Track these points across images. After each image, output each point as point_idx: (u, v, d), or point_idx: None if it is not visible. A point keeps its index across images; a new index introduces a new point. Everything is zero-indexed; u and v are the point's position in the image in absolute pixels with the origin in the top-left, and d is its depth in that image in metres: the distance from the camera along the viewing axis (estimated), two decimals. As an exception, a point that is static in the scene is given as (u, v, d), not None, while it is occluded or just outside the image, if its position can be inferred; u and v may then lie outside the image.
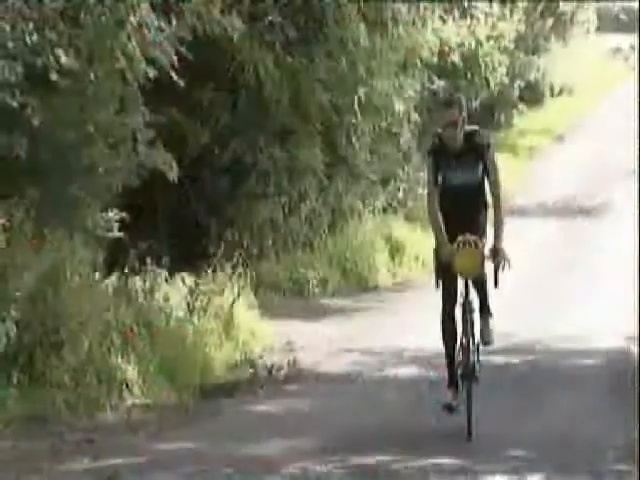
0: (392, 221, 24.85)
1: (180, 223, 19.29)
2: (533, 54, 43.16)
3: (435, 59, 28.44)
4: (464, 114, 10.77)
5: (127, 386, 12.80)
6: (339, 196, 22.51)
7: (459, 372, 10.67)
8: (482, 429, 10.26)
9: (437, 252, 10.74)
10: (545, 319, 17.18)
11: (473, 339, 10.74)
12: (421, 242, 26.69)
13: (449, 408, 10.56)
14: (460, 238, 10.52)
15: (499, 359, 14.43)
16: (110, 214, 15.09)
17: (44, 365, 11.88)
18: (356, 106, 22.23)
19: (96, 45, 14.19)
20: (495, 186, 10.84)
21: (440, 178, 10.79)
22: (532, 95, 44.36)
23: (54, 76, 13.79)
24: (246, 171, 20.29)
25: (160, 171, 15.83)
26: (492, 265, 10.59)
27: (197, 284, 16.13)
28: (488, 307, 11.13)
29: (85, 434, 11.03)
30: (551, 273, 21.69)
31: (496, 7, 34.54)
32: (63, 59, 13.81)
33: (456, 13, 29.30)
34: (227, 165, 20.07)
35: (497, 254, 10.56)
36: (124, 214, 15.21)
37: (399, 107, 23.82)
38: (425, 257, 26.21)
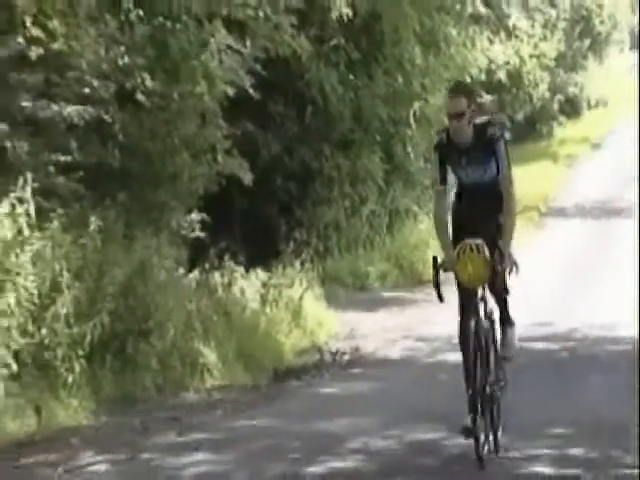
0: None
1: (254, 224, 19.37)
2: (572, 71, 43.00)
3: (483, 76, 28.40)
4: (474, 105, 8.41)
5: (208, 369, 12.88)
6: (396, 199, 22.54)
7: (477, 393, 8.34)
8: (525, 409, 10.19)
9: (435, 260, 8.37)
10: (582, 309, 17.10)
11: (487, 356, 8.51)
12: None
13: (467, 431, 8.23)
14: (461, 244, 8.31)
15: (540, 345, 14.41)
16: (192, 216, 15.20)
17: (134, 351, 11.96)
18: (411, 119, 22.26)
19: (180, 66, 14.31)
20: (505, 184, 8.50)
21: (448, 177, 8.61)
22: (571, 108, 44.26)
23: (140, 96, 13.94)
24: (312, 177, 20.37)
25: (236, 177, 15.94)
26: (500, 271, 8.34)
27: (269, 278, 16.21)
28: (508, 317, 8.94)
29: (170, 412, 11.08)
30: (586, 267, 21.60)
31: (538, 29, 34.47)
32: (148, 82, 13.96)
33: (502, 35, 29.23)
34: (296, 172, 20.14)
35: (503, 259, 8.28)
36: (205, 216, 15.32)
37: (450, 119, 23.81)
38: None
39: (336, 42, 20.13)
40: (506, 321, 8.91)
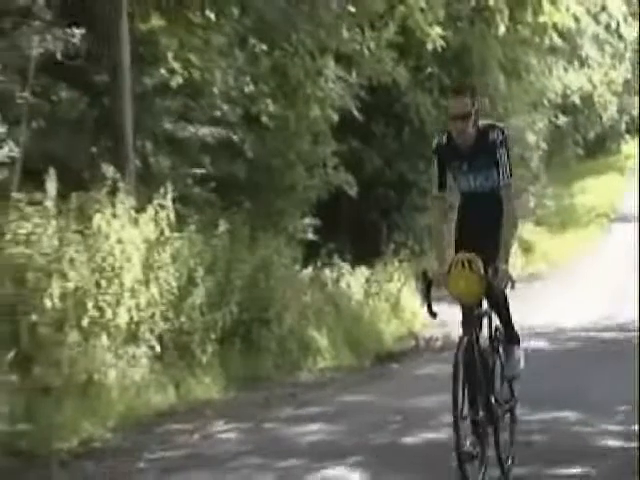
0: (524, 226, 24.65)
1: (359, 227, 19.42)
2: (636, 95, 42.46)
3: (559, 99, 28.16)
4: (477, 106, 6.77)
5: (320, 352, 12.95)
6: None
7: (479, 417, 6.69)
8: (597, 391, 10.09)
9: (425, 273, 6.80)
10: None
11: (487, 375, 6.86)
12: (548, 243, 26.49)
13: (469, 456, 6.48)
14: (453, 258, 6.68)
15: (606, 335, 14.28)
16: (306, 221, 15.31)
17: (257, 336, 12.04)
18: (496, 137, 22.15)
19: (297, 93, 14.43)
20: (506, 193, 6.77)
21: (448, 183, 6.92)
22: (636, 127, 43.65)
23: (264, 119, 14.08)
24: (409, 187, 20.34)
25: (343, 188, 16.01)
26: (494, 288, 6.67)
27: (372, 275, 16.25)
28: (512, 335, 7.20)
29: (288, 389, 11.14)
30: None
31: (608, 59, 34.10)
32: (270, 106, 14.09)
33: (576, 64, 28.94)
34: (395, 183, 20.13)
35: (496, 276, 6.54)
36: (317, 221, 15.41)
37: (530, 138, 23.69)
38: (551, 255, 26.07)
39: (430, 71, 20.12)
40: (510, 339, 7.15)
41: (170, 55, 13.01)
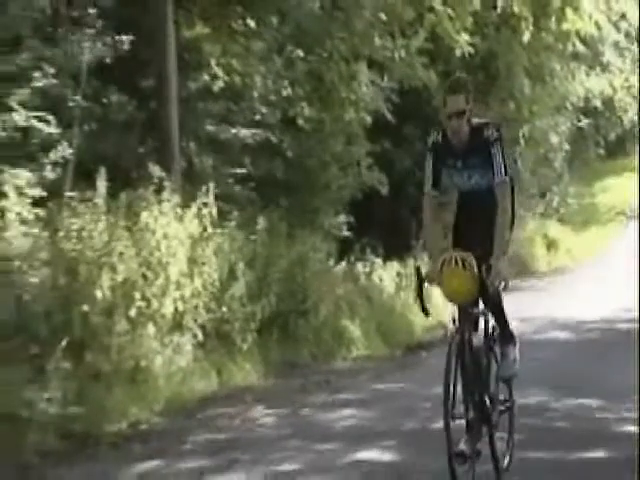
0: (548, 223, 24.61)
1: (390, 224, 19.39)
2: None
3: (581, 103, 28.03)
4: (471, 103, 6.34)
5: (353, 342, 12.96)
6: (508, 205, 22.37)
7: (473, 417, 6.27)
8: (616, 379, 10.06)
9: (419, 271, 6.35)
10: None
11: (480, 374, 6.41)
12: (571, 239, 26.38)
13: (462, 456, 6.12)
14: (446, 255, 6.23)
15: (627, 326, 14.21)
16: (341, 218, 15.31)
17: (294, 326, 12.07)
18: (521, 139, 22.09)
19: (332, 97, 14.44)
20: (501, 190, 6.33)
21: (442, 181, 6.48)
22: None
23: (301, 121, 14.10)
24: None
25: (375, 187, 16.01)
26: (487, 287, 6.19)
27: (403, 269, 16.23)
28: (507, 335, 6.70)
29: (323, 376, 11.15)
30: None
31: (628, 64, 33.87)
32: (306, 109, 14.11)
33: (597, 69, 28.80)
34: (423, 182, 20.09)
35: (489, 273, 6.11)
36: (350, 218, 15.42)
37: (554, 139, 23.62)
38: (574, 250, 25.97)
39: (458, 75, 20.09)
40: (505, 339, 6.69)
41: (213, 61, 13.06)
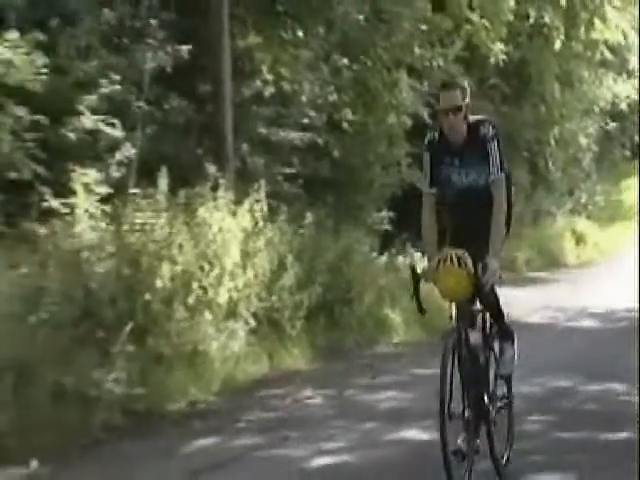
0: (577, 220, 24.44)
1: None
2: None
3: (608, 107, 27.78)
4: (467, 100, 5.86)
5: (394, 329, 12.93)
6: (539, 202, 22.25)
7: (471, 414, 5.81)
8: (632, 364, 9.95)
9: (414, 269, 5.96)
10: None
11: (477, 375, 5.94)
12: (598, 234, 26.14)
13: (460, 454, 5.67)
14: (442, 253, 5.85)
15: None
16: (383, 214, 15.29)
17: (339, 314, 12.05)
18: (552, 140, 21.96)
19: (375, 102, 14.44)
20: (496, 188, 5.88)
21: (440, 179, 6.02)
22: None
23: (345, 124, 14.10)
24: (474, 185, 20.24)
25: (415, 185, 15.97)
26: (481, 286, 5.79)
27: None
28: (505, 332, 6.31)
29: (366, 360, 11.13)
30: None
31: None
32: (350, 114, 14.11)
33: (624, 75, 28.52)
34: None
35: (485, 271, 5.71)
36: (392, 214, 15.40)
37: (583, 141, 23.46)
38: (601, 244, 25.75)
39: (493, 82, 19.97)
40: (503, 336, 6.30)
41: (265, 68, 13.08)
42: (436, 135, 5.99)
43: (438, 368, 10.88)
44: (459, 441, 5.67)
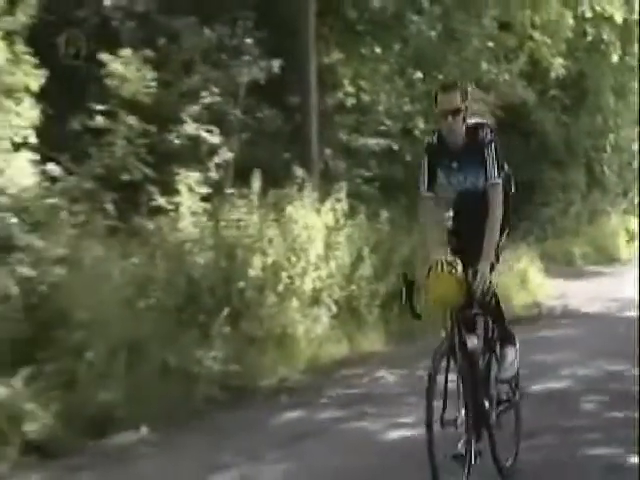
0: (629, 218, 24.03)
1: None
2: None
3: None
4: (467, 102, 5.27)
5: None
6: (595, 202, 21.91)
7: (470, 419, 5.24)
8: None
9: (406, 276, 5.29)
10: None
11: (475, 379, 5.31)
12: (649, 232, 25.59)
13: (461, 458, 5.16)
14: (432, 259, 5.19)
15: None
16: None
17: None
18: (607, 146, 21.62)
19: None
20: (492, 193, 5.29)
21: (439, 182, 5.44)
22: None
23: (417, 132, 14.04)
24: (535, 187, 19.98)
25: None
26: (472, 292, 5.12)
27: (504, 256, 16.03)
28: (506, 336, 5.63)
29: (435, 344, 10.95)
30: None
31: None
32: (421, 123, 14.05)
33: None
34: (524, 183, 19.71)
35: (475, 277, 5.08)
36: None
37: (636, 147, 23.04)
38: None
39: (553, 93, 19.73)
40: (505, 340, 5.63)
41: (346, 82, 13.12)
42: (434, 137, 5.39)
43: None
44: (459, 445, 5.13)
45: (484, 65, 14.90)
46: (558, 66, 16.77)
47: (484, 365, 5.42)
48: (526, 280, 15.77)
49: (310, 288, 10.07)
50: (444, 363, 4.99)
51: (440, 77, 14.19)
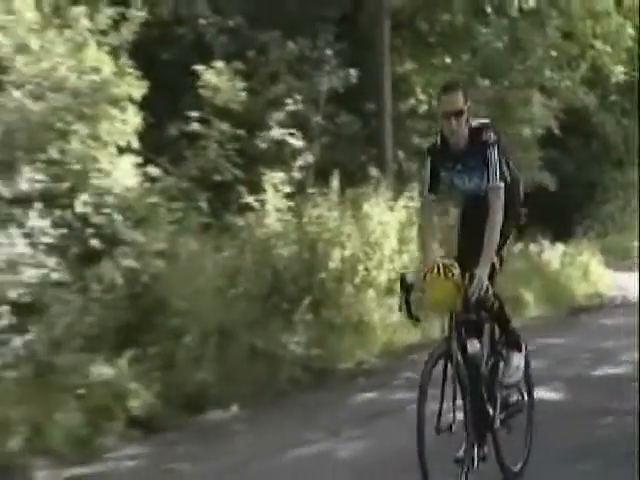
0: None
1: (556, 214, 18.90)
2: None
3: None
4: (469, 103, 4.67)
5: (526, 305, 12.70)
6: (652, 199, 21.46)
7: (472, 424, 4.69)
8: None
9: (403, 278, 4.64)
10: None
11: (475, 384, 4.68)
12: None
13: (461, 461, 4.66)
14: (429, 262, 4.61)
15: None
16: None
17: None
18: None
19: (513, 116, 14.16)
20: (493, 195, 4.65)
21: (441, 185, 4.84)
22: None
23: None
24: (595, 185, 19.68)
25: (544, 184, 15.63)
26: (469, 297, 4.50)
27: (567, 250, 15.82)
28: (511, 341, 5.03)
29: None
30: None
31: None
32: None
33: None
34: (584, 182, 19.51)
35: (471, 282, 4.49)
36: (525, 208, 15.08)
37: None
38: None
39: (614, 98, 19.32)
40: (510, 345, 5.04)
41: (418, 89, 13.04)
42: (437, 139, 4.81)
43: (563, 339, 10.67)
44: (460, 451, 4.66)
45: (547, 72, 14.66)
46: (618, 73, 16.40)
47: (488, 370, 4.87)
48: (588, 272, 15.54)
49: (385, 279, 10.01)
50: (439, 367, 4.48)
51: (506, 83, 14.03)
